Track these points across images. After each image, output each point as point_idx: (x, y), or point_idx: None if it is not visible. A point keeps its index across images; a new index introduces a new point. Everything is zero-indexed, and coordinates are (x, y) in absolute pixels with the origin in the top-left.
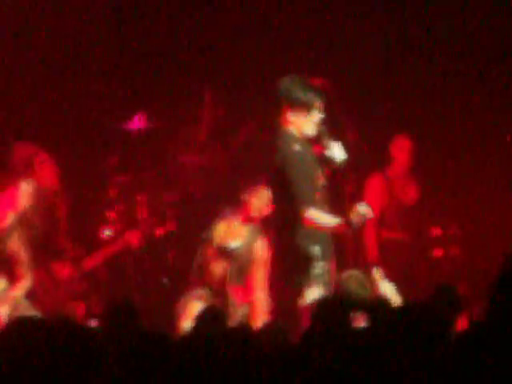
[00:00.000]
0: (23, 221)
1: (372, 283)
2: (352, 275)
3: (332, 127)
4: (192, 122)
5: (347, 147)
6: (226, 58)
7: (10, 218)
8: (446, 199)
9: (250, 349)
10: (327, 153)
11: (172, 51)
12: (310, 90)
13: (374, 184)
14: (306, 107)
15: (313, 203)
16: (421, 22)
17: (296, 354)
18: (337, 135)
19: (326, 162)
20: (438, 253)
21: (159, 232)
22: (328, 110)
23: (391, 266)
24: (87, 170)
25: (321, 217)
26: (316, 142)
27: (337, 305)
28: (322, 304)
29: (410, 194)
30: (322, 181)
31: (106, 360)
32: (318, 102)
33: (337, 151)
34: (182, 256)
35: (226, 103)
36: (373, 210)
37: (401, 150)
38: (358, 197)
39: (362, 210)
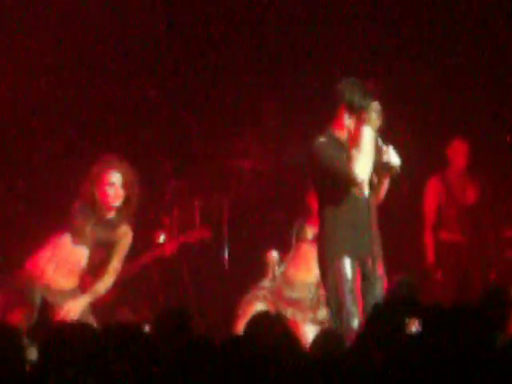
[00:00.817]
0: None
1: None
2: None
3: (384, 132)
4: (247, 128)
5: (400, 152)
6: (279, 66)
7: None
8: (503, 202)
9: (296, 354)
10: (383, 158)
11: (228, 56)
12: (370, 96)
13: (433, 187)
14: (364, 113)
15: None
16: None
17: (349, 358)
18: (390, 140)
19: (383, 167)
20: (493, 255)
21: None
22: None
23: (447, 267)
24: (143, 174)
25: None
26: None
27: (391, 310)
28: (375, 308)
29: (469, 195)
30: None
31: (157, 366)
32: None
33: (393, 156)
34: (235, 259)
35: (283, 109)
36: (432, 212)
37: (457, 153)
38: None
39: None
